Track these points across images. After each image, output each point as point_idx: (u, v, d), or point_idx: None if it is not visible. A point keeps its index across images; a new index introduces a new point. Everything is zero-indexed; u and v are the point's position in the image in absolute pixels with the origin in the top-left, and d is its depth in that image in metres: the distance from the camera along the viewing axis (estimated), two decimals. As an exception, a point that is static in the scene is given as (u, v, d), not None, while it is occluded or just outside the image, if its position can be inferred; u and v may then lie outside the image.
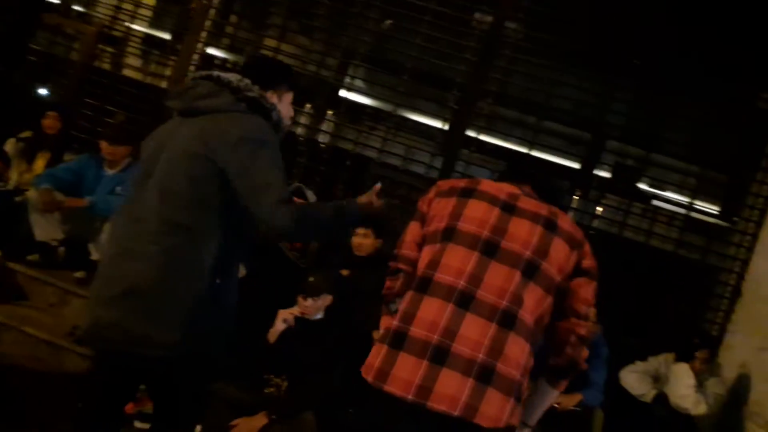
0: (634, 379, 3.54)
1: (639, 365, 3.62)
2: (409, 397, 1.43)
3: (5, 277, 3.82)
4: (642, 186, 4.59)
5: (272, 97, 1.90)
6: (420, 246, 1.66)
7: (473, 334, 1.46)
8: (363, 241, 3.70)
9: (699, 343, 3.51)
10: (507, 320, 1.49)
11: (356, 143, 4.64)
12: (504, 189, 1.67)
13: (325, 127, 4.84)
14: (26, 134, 4.37)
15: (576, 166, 4.73)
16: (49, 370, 3.27)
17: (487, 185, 1.68)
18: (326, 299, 3.13)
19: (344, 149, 4.65)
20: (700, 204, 4.44)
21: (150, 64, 5.03)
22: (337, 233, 2.00)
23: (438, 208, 1.65)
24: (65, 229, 3.94)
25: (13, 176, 4.26)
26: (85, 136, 4.61)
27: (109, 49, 5.06)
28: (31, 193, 3.83)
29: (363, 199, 1.93)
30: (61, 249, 3.98)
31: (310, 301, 3.07)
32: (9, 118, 4.70)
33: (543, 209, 1.65)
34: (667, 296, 4.20)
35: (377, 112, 4.78)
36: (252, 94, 1.82)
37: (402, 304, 1.57)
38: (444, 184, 1.72)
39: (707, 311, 4.16)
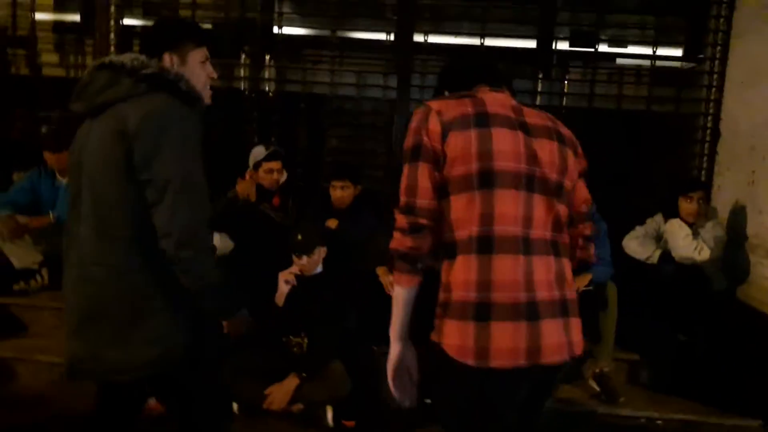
0: (636, 245, 3.59)
1: (638, 230, 3.66)
2: (522, 362, 1.37)
3: (-1, 313, 3.73)
4: (603, 50, 4.45)
5: (172, 62, 1.68)
6: (438, 191, 1.45)
7: (543, 275, 1.42)
8: (343, 193, 3.63)
9: (685, 187, 3.53)
10: (556, 248, 1.47)
11: (304, 83, 4.45)
12: (506, 103, 1.53)
13: (267, 74, 4.59)
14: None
15: (532, 45, 4.56)
16: (72, 392, 3.25)
17: (492, 102, 1.50)
18: (321, 252, 3.10)
19: (294, 92, 4.45)
20: (663, 53, 4.35)
21: (68, 56, 4.68)
22: (215, 301, 1.68)
23: (456, 145, 1.42)
24: (41, 249, 3.84)
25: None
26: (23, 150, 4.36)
27: (21, 52, 4.68)
28: None
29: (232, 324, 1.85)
30: (44, 270, 3.88)
31: (305, 259, 3.04)
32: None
33: (545, 119, 1.56)
34: (649, 156, 4.20)
35: (317, 42, 4.51)
36: (148, 70, 1.60)
37: (461, 270, 1.40)
38: (444, 109, 1.46)
39: (691, 160, 4.18)
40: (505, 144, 1.43)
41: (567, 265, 1.50)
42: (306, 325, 3.05)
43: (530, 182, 1.43)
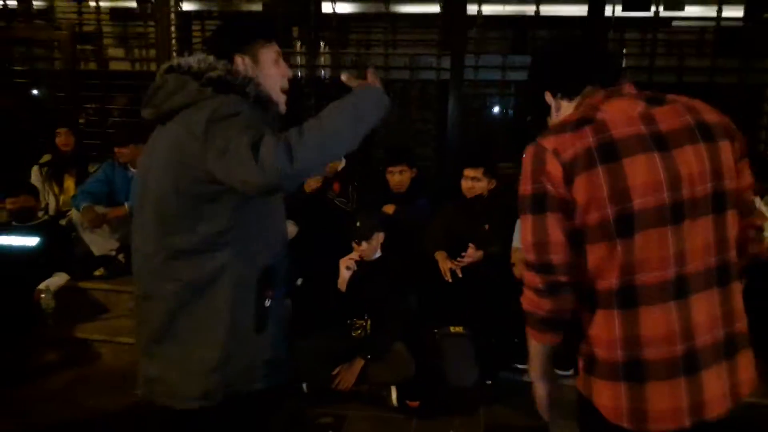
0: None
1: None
2: (686, 423, 1.22)
3: (81, 298, 4.02)
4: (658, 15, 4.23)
5: (244, 64, 1.55)
6: (571, 243, 1.25)
7: (704, 314, 1.23)
8: (401, 177, 3.69)
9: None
10: (722, 274, 1.26)
11: (358, 67, 4.49)
12: (631, 114, 1.26)
13: (322, 60, 4.66)
14: (46, 158, 4.41)
15: (584, 10, 4.35)
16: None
17: (616, 119, 1.24)
18: (379, 237, 3.20)
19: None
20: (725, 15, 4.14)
21: (133, 49, 4.88)
22: (361, 129, 1.40)
23: (586, 189, 1.20)
24: (118, 237, 4.08)
25: (51, 202, 4.35)
26: (96, 141, 4.61)
27: (88, 47, 4.91)
28: (75, 215, 3.94)
29: (359, 83, 1.51)
30: (121, 256, 4.13)
31: (364, 244, 3.15)
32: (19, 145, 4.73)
33: (683, 114, 1.27)
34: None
35: (367, 18, 4.50)
36: (215, 73, 1.48)
37: (603, 327, 1.25)
38: (561, 147, 1.23)
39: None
40: (641, 176, 1.20)
41: (736, 291, 1.29)
42: (368, 308, 3.17)
43: (677, 212, 1.21)
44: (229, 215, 1.44)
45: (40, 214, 4.16)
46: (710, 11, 4.16)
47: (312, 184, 3.74)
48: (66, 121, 4.35)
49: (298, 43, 4.58)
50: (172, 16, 4.45)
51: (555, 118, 1.42)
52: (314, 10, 4.61)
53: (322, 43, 4.59)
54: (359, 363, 3.04)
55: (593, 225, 1.21)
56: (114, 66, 4.84)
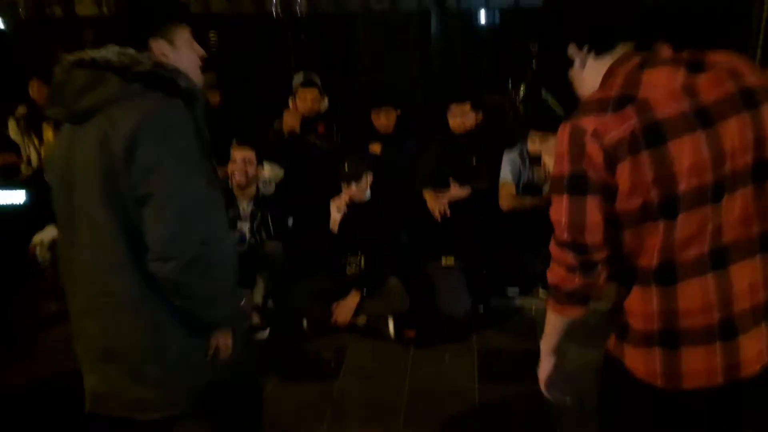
0: None
1: None
2: (719, 381, 1.23)
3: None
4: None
5: (161, 50, 1.44)
6: (608, 224, 1.21)
7: (744, 282, 1.22)
8: (387, 120, 3.68)
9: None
10: (765, 241, 1.23)
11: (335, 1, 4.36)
12: (674, 87, 1.18)
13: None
14: (21, 111, 4.31)
15: None
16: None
17: (658, 96, 1.17)
18: (368, 178, 3.24)
19: (326, 13, 4.39)
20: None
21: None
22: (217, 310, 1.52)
23: (629, 175, 1.16)
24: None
25: (32, 155, 4.29)
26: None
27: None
28: None
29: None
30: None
31: (353, 186, 3.20)
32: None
33: (726, 80, 1.19)
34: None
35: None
36: (141, 67, 1.36)
37: (639, 301, 1.25)
38: (602, 128, 1.16)
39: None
40: (686, 158, 1.15)
41: None
42: (362, 245, 3.27)
43: (718, 189, 1.18)
44: None
45: (23, 167, 4.12)
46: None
47: (289, 122, 3.71)
48: (38, 72, 4.22)
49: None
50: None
51: (579, 75, 1.32)
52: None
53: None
54: (355, 297, 3.16)
55: (635, 209, 1.18)
56: (81, 10, 4.63)
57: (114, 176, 1.34)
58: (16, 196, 3.82)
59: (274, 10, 4.51)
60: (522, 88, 4.07)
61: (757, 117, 1.18)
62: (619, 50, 1.24)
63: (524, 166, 3.37)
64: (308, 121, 3.75)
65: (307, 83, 3.71)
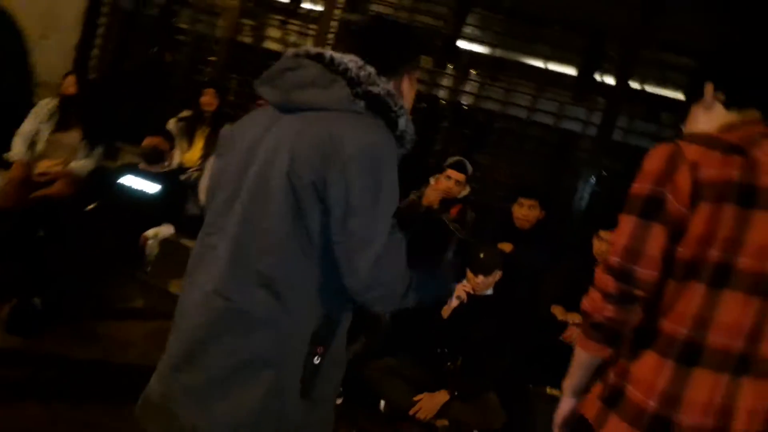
0: None
1: None
2: (710, 423, 1.15)
3: (181, 254, 4.07)
4: None
5: (400, 86, 1.36)
6: (665, 264, 1.14)
7: (750, 403, 1.14)
8: (529, 213, 3.54)
9: None
10: None
11: (505, 103, 4.42)
12: None
13: (468, 88, 4.62)
14: (186, 113, 4.56)
15: None
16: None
17: (766, 163, 1.11)
18: (496, 275, 3.04)
19: (491, 110, 4.45)
20: None
21: (290, 35, 5.03)
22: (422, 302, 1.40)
23: (706, 219, 1.09)
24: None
25: (176, 156, 4.47)
26: (234, 111, 4.75)
27: (250, 22, 5.09)
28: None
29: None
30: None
31: (481, 278, 2.99)
32: (166, 98, 4.93)
33: None
34: None
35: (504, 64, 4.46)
36: (376, 89, 1.26)
37: (649, 370, 1.17)
38: (703, 161, 1.10)
39: None
40: (762, 235, 1.09)
41: None
42: (464, 344, 3.00)
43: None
44: (323, 250, 1.25)
45: (166, 163, 4.27)
46: None
47: (431, 196, 3.64)
48: (214, 83, 4.50)
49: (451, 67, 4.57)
50: (334, 22, 4.60)
51: (698, 112, 1.28)
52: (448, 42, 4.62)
53: (472, 71, 4.55)
54: (443, 396, 2.86)
55: (690, 260, 1.12)
56: (269, 45, 4.99)
57: (299, 184, 1.21)
58: (151, 187, 3.92)
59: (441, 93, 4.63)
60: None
61: None
62: (749, 114, 1.21)
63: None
64: (446, 202, 3.66)
65: (459, 166, 3.66)
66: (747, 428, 1.14)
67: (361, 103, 1.25)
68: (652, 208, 1.13)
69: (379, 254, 1.21)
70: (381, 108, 1.27)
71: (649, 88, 4.00)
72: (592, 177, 4.05)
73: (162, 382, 1.33)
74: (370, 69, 1.28)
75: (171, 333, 1.36)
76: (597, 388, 1.26)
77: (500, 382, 2.95)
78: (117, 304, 3.62)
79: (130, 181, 3.93)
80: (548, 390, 3.04)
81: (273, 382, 1.24)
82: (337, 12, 4.65)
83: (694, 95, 1.29)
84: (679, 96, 4.25)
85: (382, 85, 1.28)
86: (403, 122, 1.30)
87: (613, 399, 1.20)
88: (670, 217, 1.12)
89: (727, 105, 1.23)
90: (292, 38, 5.00)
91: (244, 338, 1.24)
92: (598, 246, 3.22)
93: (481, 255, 3.01)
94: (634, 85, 4.04)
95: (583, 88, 4.36)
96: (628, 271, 1.14)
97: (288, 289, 1.23)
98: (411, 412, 2.85)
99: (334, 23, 4.64)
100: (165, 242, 3.82)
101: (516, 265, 3.36)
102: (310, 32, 4.90)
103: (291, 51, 1.34)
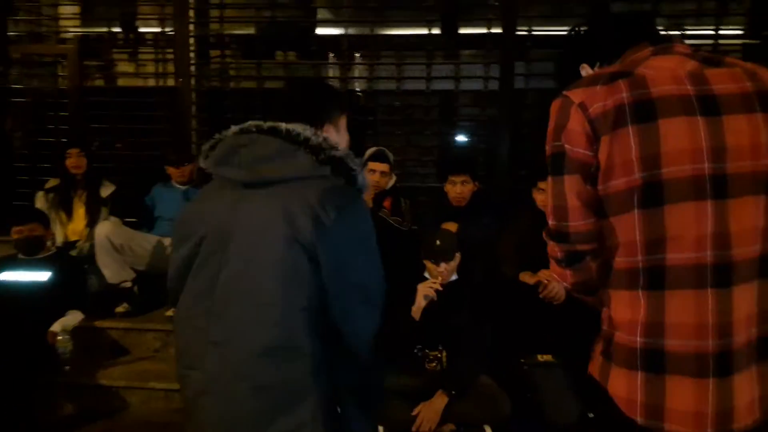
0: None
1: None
2: (708, 431, 1.09)
3: (99, 339, 3.55)
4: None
5: (329, 133, 1.47)
6: (593, 210, 1.14)
7: (745, 310, 1.09)
8: (463, 189, 3.36)
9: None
10: (765, 266, 1.11)
11: (398, 79, 4.23)
12: (678, 73, 1.12)
13: (357, 73, 4.39)
14: (52, 183, 3.96)
15: None
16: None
17: (657, 76, 1.11)
18: (457, 258, 2.87)
19: (387, 90, 4.24)
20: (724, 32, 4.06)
21: (147, 65, 4.52)
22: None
23: (610, 151, 1.08)
24: (145, 264, 3.68)
25: (57, 232, 3.88)
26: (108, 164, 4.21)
27: (95, 63, 4.51)
28: (101, 228, 3.51)
29: None
30: (135, 288, 3.74)
31: (443, 266, 2.80)
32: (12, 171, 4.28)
33: (741, 79, 1.11)
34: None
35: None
36: (338, 153, 1.35)
37: (625, 307, 1.14)
38: (589, 99, 1.11)
39: None
40: (678, 141, 1.06)
41: None
42: (444, 337, 2.81)
43: (719, 186, 1.07)
44: (321, 312, 1.31)
45: (48, 244, 3.69)
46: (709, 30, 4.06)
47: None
48: (77, 142, 3.91)
49: (332, 55, 4.32)
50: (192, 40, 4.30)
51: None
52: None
53: (357, 54, 4.32)
54: (442, 399, 2.67)
55: (617, 192, 1.10)
56: (126, 82, 4.45)
57: (292, 250, 1.27)
58: (40, 275, 3.36)
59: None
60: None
61: None
62: (631, 51, 1.21)
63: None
64: (377, 196, 3.43)
65: (378, 156, 3.43)
66: (749, 333, 1.10)
67: (327, 168, 1.34)
68: (557, 163, 1.15)
69: (372, 304, 1.36)
70: (343, 170, 1.36)
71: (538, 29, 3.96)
72: (507, 131, 3.97)
73: None
74: (323, 135, 1.37)
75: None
76: (599, 346, 1.22)
77: (491, 364, 2.79)
78: (44, 419, 3.06)
79: (11, 276, 3.34)
80: (539, 358, 2.93)
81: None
82: (192, 29, 4.23)
83: (570, 77, 1.28)
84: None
85: (342, 149, 1.38)
86: (362, 178, 1.41)
87: (608, 348, 1.18)
88: (574, 164, 1.13)
89: (609, 63, 1.24)
90: (150, 68, 4.49)
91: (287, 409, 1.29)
92: (541, 198, 3.13)
93: (438, 242, 2.81)
94: (523, 28, 3.98)
95: (458, 45, 4.30)
96: (562, 230, 1.17)
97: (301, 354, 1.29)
98: (413, 429, 2.63)
99: (191, 41, 4.22)
100: (77, 332, 3.28)
101: (467, 243, 3.21)
102: (168, 56, 4.43)
103: (233, 128, 1.39)
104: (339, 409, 1.35)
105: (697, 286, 1.08)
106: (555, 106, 1.17)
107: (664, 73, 1.12)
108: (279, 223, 1.27)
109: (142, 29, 4.57)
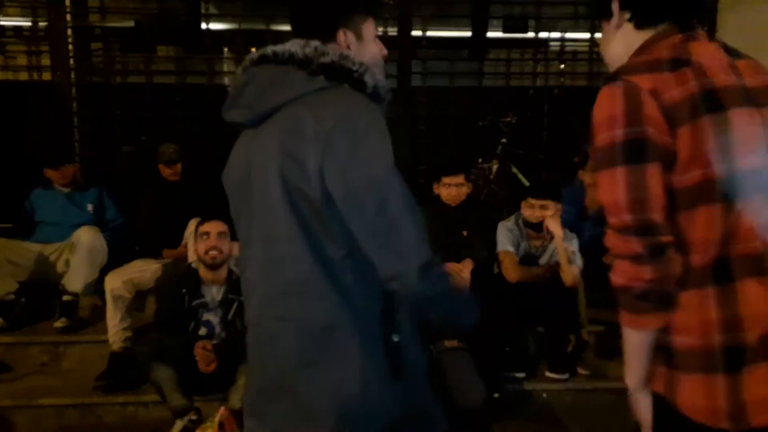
0: None
1: None
2: None
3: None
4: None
5: (347, 42, 1.30)
6: (670, 201, 1.06)
7: None
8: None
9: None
10: None
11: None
12: (722, 61, 1.11)
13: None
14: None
15: None
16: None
17: (711, 66, 1.08)
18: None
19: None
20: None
21: (20, 57, 4.14)
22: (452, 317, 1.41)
23: (688, 142, 1.03)
24: (27, 274, 3.35)
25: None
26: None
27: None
28: None
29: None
30: (22, 300, 3.41)
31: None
32: None
33: (760, 70, 1.15)
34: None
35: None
36: (327, 59, 1.21)
37: (694, 309, 1.07)
38: (661, 87, 1.05)
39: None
40: (745, 132, 1.05)
41: None
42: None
43: None
44: (348, 236, 1.20)
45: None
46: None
47: None
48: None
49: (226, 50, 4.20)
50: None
51: (609, 36, 1.21)
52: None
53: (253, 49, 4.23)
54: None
55: (692, 185, 1.04)
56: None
57: (300, 183, 1.18)
58: None
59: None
60: (494, 163, 4.03)
61: None
62: (661, 28, 1.15)
63: (522, 236, 3.21)
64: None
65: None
66: None
67: (320, 78, 1.21)
68: (637, 150, 1.04)
69: (395, 214, 1.17)
70: (341, 74, 1.22)
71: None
72: (406, 128, 4.07)
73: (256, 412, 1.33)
74: (315, 43, 1.24)
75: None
76: (657, 359, 1.14)
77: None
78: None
79: None
80: (445, 343, 3.04)
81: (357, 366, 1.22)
82: (69, 19, 3.94)
83: (600, 13, 1.21)
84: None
85: (332, 52, 1.24)
86: (370, 77, 1.25)
87: (670, 357, 1.10)
88: (659, 151, 1.04)
89: (640, 24, 1.16)
90: (23, 61, 4.13)
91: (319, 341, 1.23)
92: (447, 192, 3.24)
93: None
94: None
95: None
96: (646, 222, 1.04)
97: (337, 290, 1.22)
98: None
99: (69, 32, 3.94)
100: None
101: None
102: (43, 49, 4.09)
103: (240, 66, 1.32)
104: (396, 338, 1.24)
105: (760, 274, 1.06)
106: (616, 92, 1.06)
107: (714, 62, 1.09)
108: (277, 156, 1.19)
109: (12, 20, 4.18)
